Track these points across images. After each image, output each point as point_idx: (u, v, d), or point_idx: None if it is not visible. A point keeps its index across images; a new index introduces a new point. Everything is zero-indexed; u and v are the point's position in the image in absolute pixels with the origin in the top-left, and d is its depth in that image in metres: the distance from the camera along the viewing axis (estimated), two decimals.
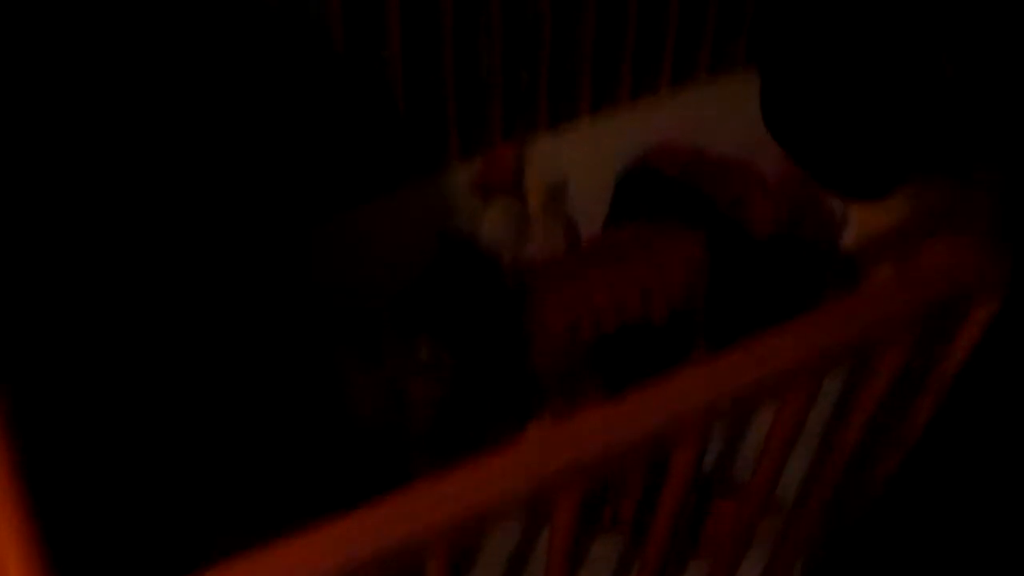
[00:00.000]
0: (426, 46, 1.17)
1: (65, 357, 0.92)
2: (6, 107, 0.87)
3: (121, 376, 0.95)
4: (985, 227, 0.65)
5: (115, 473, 0.86)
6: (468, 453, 0.53)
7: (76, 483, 0.83)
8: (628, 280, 1.05)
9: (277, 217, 1.19)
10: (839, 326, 0.63)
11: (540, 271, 1.12)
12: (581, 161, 1.27)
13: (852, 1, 0.58)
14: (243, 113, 1.11)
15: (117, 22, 0.97)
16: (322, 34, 1.10)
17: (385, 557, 0.51)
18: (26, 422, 0.50)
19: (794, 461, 0.75)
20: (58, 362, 0.90)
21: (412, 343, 1.03)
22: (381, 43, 1.14)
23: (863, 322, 0.63)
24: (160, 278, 1.07)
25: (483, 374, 1.05)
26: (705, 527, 0.97)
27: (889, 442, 0.81)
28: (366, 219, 1.22)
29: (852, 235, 1.18)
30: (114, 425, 0.91)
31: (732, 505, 0.96)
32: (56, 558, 0.46)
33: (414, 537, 0.51)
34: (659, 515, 0.70)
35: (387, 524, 0.50)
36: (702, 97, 1.37)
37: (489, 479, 0.53)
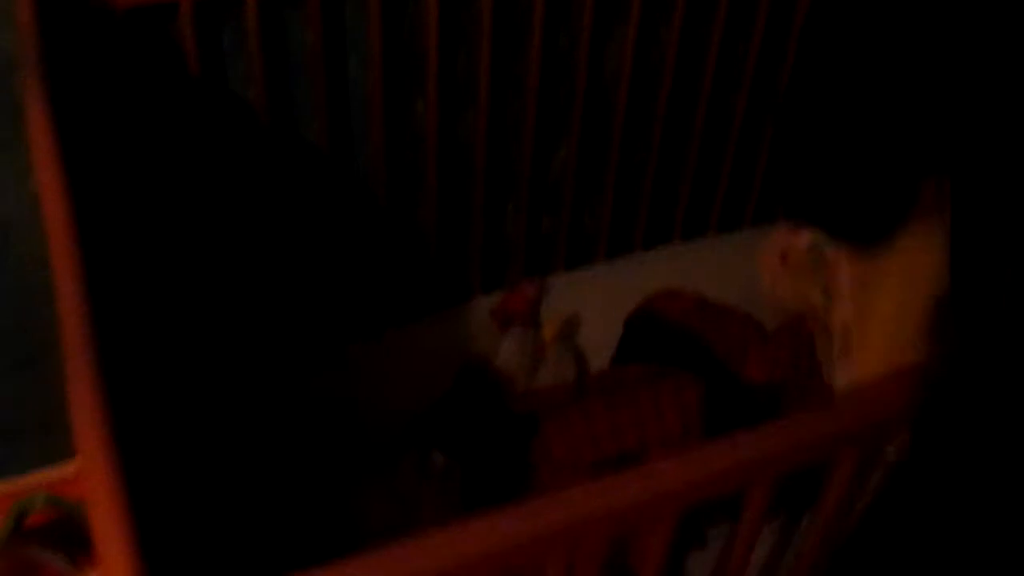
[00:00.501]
0: (458, 193, 1.27)
1: None
2: None
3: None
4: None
5: None
6: None
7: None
8: (628, 414, 1.11)
9: (316, 338, 1.28)
10: (796, 433, 0.72)
11: (547, 399, 1.19)
12: (595, 300, 1.35)
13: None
14: (292, 246, 1.21)
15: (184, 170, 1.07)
16: (368, 181, 1.21)
17: None
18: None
19: None
20: None
21: (426, 455, 1.10)
22: (419, 189, 1.24)
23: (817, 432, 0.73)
24: (198, 396, 1.13)
25: (490, 493, 1.11)
26: None
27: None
28: (394, 343, 1.30)
29: (843, 381, 1.24)
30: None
31: None
32: (152, 558, 0.52)
33: None
34: None
35: None
36: (710, 251, 1.47)
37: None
